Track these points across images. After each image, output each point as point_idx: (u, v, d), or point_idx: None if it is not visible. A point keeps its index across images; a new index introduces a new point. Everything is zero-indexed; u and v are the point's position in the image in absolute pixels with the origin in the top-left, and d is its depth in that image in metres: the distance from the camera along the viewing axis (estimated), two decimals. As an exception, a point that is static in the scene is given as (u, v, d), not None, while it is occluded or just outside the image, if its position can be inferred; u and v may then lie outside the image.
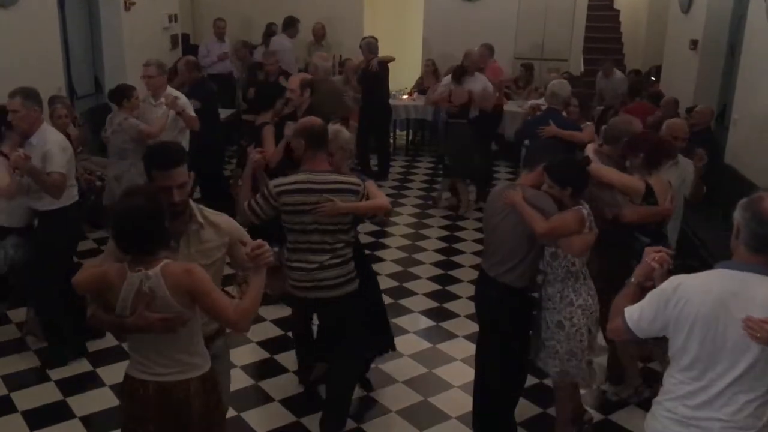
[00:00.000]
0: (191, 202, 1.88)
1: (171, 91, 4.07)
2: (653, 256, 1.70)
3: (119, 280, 1.67)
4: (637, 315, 1.65)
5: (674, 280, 1.61)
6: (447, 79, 5.20)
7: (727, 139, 4.77)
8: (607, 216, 2.62)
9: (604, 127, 3.24)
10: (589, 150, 3.08)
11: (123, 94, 3.89)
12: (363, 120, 5.38)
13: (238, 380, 2.87)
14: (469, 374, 3.10)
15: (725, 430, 1.56)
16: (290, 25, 6.43)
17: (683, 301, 1.56)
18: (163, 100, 3.99)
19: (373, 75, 5.70)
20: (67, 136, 4.48)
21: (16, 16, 4.34)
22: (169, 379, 1.73)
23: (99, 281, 1.71)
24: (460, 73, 5.03)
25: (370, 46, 5.93)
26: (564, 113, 3.94)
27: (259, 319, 3.47)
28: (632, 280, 1.73)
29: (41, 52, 4.60)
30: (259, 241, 1.70)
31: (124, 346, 3.25)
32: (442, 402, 2.90)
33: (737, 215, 1.57)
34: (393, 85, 6.75)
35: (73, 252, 3.21)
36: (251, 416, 2.76)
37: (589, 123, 4.15)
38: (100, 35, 5.65)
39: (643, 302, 1.65)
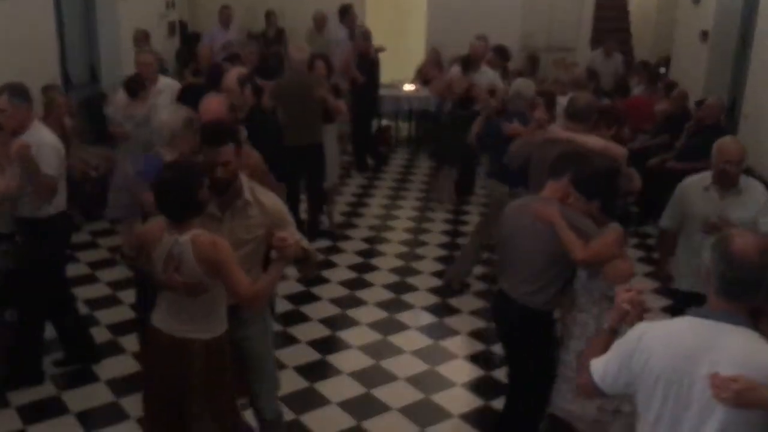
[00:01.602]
0: (243, 179, 2.01)
1: (163, 79, 3.94)
2: (624, 296, 1.52)
3: (157, 237, 1.86)
4: (602, 369, 1.48)
5: (639, 328, 1.44)
6: (455, 70, 5.08)
7: (737, 133, 4.68)
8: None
9: (567, 103, 2.98)
10: (556, 129, 2.87)
11: (141, 84, 3.74)
12: (358, 110, 5.27)
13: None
14: (471, 372, 3.08)
15: None
16: (347, 13, 6.13)
17: (647, 354, 1.39)
18: (160, 88, 3.85)
19: (371, 64, 5.57)
20: (63, 126, 4.41)
21: (10, 4, 4.25)
22: (179, 336, 1.90)
23: (142, 237, 1.93)
24: (466, 64, 4.91)
25: (365, 34, 5.81)
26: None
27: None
28: (605, 326, 1.57)
29: (36, 41, 4.52)
30: (285, 234, 1.86)
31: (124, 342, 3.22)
32: (444, 400, 2.86)
33: (707, 257, 1.41)
34: (394, 74, 6.66)
35: (59, 266, 2.90)
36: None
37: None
38: (96, 23, 5.56)
39: (608, 354, 1.48)
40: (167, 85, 3.90)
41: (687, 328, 1.40)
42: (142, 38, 5.10)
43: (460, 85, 4.85)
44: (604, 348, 1.51)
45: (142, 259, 1.94)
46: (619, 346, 1.47)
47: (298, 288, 3.78)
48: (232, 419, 2.02)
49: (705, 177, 2.59)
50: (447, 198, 5.17)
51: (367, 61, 5.63)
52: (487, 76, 5.00)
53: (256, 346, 2.11)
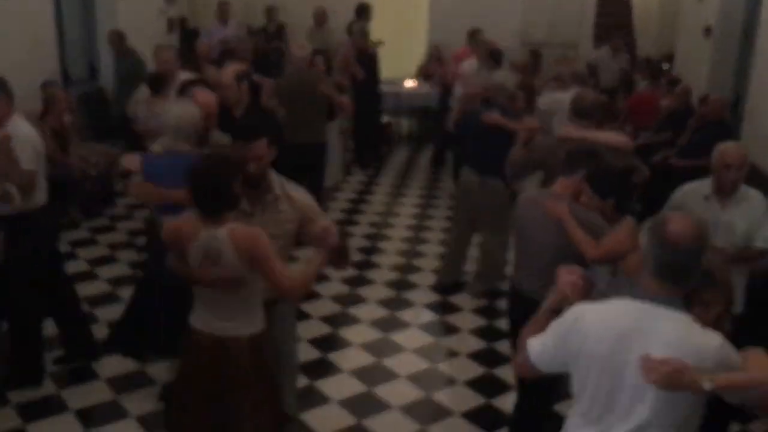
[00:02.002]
0: (273, 174, 2.03)
1: (181, 75, 3.90)
2: (564, 279, 1.52)
3: (193, 233, 1.83)
4: (539, 348, 1.48)
5: (577, 310, 1.44)
6: (469, 64, 4.97)
7: (740, 130, 4.64)
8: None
9: (571, 102, 2.93)
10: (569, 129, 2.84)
11: (164, 80, 3.68)
12: (359, 107, 5.25)
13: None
14: (472, 369, 3.07)
15: None
16: (363, 11, 6.14)
17: (582, 334, 1.39)
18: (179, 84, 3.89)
19: (370, 60, 5.56)
20: (62, 122, 4.39)
21: (10, 0, 4.22)
22: (223, 334, 1.88)
23: (176, 233, 1.88)
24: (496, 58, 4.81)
25: (361, 30, 5.79)
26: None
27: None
28: (544, 307, 1.55)
29: (35, 36, 4.51)
30: (327, 223, 1.89)
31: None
32: (444, 398, 2.85)
33: (643, 240, 1.42)
34: (397, 71, 6.62)
35: (44, 263, 2.78)
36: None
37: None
38: (95, 19, 5.53)
39: (545, 334, 1.47)
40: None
41: (622, 310, 1.40)
42: (116, 39, 5.01)
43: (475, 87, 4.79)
44: (543, 328, 1.50)
45: (173, 256, 1.92)
46: (556, 326, 1.46)
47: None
48: (274, 411, 2.01)
49: (705, 184, 2.44)
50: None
51: (366, 57, 5.60)
52: (499, 74, 5.01)
53: (284, 341, 2.13)
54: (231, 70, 3.41)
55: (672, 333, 1.33)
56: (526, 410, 2.37)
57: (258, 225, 1.92)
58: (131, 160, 2.60)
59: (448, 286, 3.81)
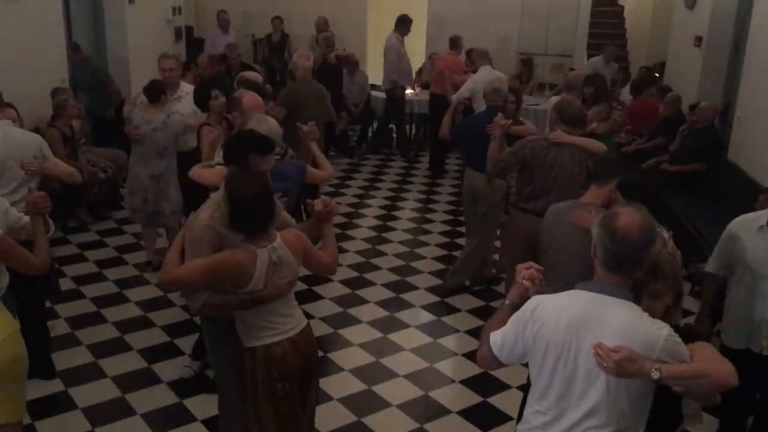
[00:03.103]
0: None
1: (184, 85, 3.94)
2: (523, 273, 1.58)
3: (251, 262, 1.83)
4: (500, 340, 1.53)
5: (534, 300, 1.51)
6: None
7: (730, 136, 4.75)
8: None
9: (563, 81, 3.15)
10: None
11: (162, 89, 3.71)
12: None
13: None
14: (469, 369, 3.12)
15: None
16: (402, 23, 6.26)
17: (539, 324, 1.45)
18: (181, 94, 3.85)
19: (331, 69, 5.67)
20: (72, 128, 4.50)
21: (21, 8, 4.34)
22: (294, 332, 1.97)
23: (230, 270, 1.82)
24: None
25: (327, 40, 5.92)
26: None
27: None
28: (506, 302, 1.61)
29: (45, 44, 4.59)
30: (324, 199, 2.06)
31: (127, 339, 3.28)
32: (442, 396, 2.91)
33: (593, 232, 1.47)
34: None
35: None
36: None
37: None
38: (104, 27, 5.64)
39: (506, 326, 1.53)
40: (187, 93, 3.84)
41: (575, 300, 1.47)
42: (71, 52, 4.98)
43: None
44: (504, 322, 1.56)
45: (212, 295, 1.87)
46: (515, 318, 1.53)
47: (301, 287, 3.84)
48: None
49: (762, 215, 2.26)
50: None
51: (328, 67, 5.67)
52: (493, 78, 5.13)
53: None
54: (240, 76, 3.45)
55: (621, 322, 1.39)
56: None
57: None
58: (215, 173, 2.48)
59: (449, 292, 3.85)
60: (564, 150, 2.86)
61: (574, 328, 1.43)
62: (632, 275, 1.46)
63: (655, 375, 1.34)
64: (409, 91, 6.75)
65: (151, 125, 3.66)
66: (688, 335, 1.49)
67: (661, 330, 1.40)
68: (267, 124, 2.44)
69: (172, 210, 3.78)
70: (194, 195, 3.78)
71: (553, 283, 2.17)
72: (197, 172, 2.64)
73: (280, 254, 1.88)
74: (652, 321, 1.43)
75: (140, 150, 3.72)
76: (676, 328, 1.47)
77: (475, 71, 5.29)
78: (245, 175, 1.89)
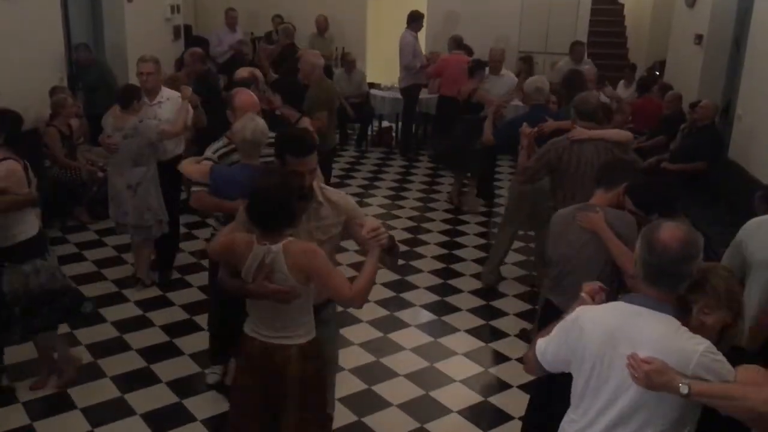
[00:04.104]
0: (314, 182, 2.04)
1: (165, 90, 3.69)
2: (587, 288, 1.63)
3: (246, 250, 1.83)
4: (544, 346, 1.57)
5: (578, 311, 1.54)
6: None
7: (731, 134, 4.74)
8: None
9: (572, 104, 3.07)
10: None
11: (134, 94, 3.48)
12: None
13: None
14: (470, 368, 3.13)
15: None
16: (415, 19, 6.20)
17: (579, 333, 1.49)
18: (161, 100, 3.63)
19: (290, 63, 5.51)
20: (70, 127, 4.48)
21: (19, 6, 4.32)
22: (272, 342, 1.90)
23: (228, 248, 1.89)
24: (474, 67, 5.01)
25: (286, 31, 5.87)
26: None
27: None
28: (568, 314, 1.61)
29: (43, 43, 4.58)
30: (375, 222, 1.85)
31: (127, 338, 3.28)
32: (443, 396, 2.91)
33: (636, 245, 1.47)
34: (394, 77, 6.74)
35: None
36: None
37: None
38: (102, 26, 5.63)
39: (551, 333, 1.57)
40: (168, 98, 3.63)
41: (614, 310, 1.48)
42: (82, 50, 4.92)
43: (465, 92, 4.93)
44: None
45: (226, 273, 1.91)
46: (560, 326, 1.56)
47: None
48: (321, 423, 2.02)
49: None
50: (473, 205, 5.19)
51: (285, 60, 5.52)
52: (504, 83, 5.10)
53: (327, 348, 2.12)
54: (246, 72, 3.43)
55: (656, 334, 1.39)
56: None
57: (304, 232, 1.96)
58: (197, 169, 2.55)
59: (493, 284, 3.90)
60: (586, 146, 2.86)
61: (610, 338, 1.44)
62: (673, 289, 1.45)
63: (684, 390, 1.33)
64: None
65: (122, 132, 3.45)
66: (742, 356, 1.47)
67: (698, 346, 1.38)
68: (253, 124, 2.42)
69: (156, 219, 3.57)
70: (173, 203, 3.75)
71: (566, 291, 2.14)
72: (184, 166, 2.67)
73: (273, 260, 1.81)
74: (690, 336, 1.41)
75: (115, 159, 3.54)
76: (734, 349, 1.46)
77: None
78: (279, 171, 1.92)
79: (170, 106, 3.59)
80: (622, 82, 6.44)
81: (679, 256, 1.39)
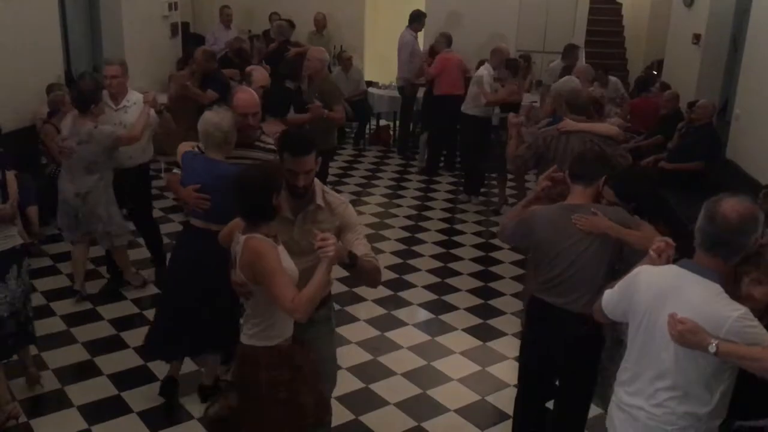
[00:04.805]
0: (317, 183, 2.02)
1: (132, 94, 3.52)
2: (655, 246, 1.73)
3: (232, 237, 1.90)
4: (608, 296, 1.74)
5: (640, 269, 1.68)
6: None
7: (728, 134, 4.75)
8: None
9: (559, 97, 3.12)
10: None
11: (92, 98, 3.26)
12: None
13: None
14: (467, 367, 3.13)
15: (649, 421, 1.60)
16: (416, 19, 6.18)
17: (636, 289, 1.63)
18: (126, 104, 3.46)
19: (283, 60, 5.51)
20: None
21: (16, 4, 4.30)
22: (245, 342, 1.90)
23: (230, 233, 1.96)
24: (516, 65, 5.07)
25: (280, 29, 5.84)
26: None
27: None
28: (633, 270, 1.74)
29: (40, 40, 4.57)
30: (326, 234, 1.77)
31: (125, 334, 3.26)
32: (440, 395, 2.91)
33: (699, 216, 1.58)
34: (393, 76, 6.73)
35: None
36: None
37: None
38: (100, 23, 5.61)
39: (616, 287, 1.73)
40: (135, 102, 3.46)
41: (666, 272, 1.62)
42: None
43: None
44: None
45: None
46: (624, 280, 1.71)
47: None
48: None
49: None
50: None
51: (279, 57, 5.50)
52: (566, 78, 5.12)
53: (323, 347, 2.10)
54: (260, 77, 3.32)
55: (696, 298, 1.51)
56: (569, 413, 2.30)
57: (299, 233, 1.96)
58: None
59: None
60: (574, 138, 2.93)
61: (659, 298, 1.58)
62: (726, 258, 1.54)
63: (712, 348, 1.45)
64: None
65: (78, 137, 3.24)
66: None
67: (733, 312, 1.48)
68: (217, 118, 2.45)
69: (105, 230, 3.39)
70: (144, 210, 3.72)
71: (566, 293, 2.13)
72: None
73: (236, 251, 1.84)
74: (728, 302, 1.51)
75: (67, 164, 3.31)
76: None
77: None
78: (271, 167, 1.95)
79: (136, 111, 3.44)
80: (596, 83, 6.41)
81: (736, 228, 1.49)
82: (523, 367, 2.41)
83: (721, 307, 1.50)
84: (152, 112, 3.45)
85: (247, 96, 2.62)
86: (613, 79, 5.82)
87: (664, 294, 1.57)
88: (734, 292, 1.56)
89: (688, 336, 1.47)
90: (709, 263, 1.53)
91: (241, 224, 1.88)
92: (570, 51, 5.84)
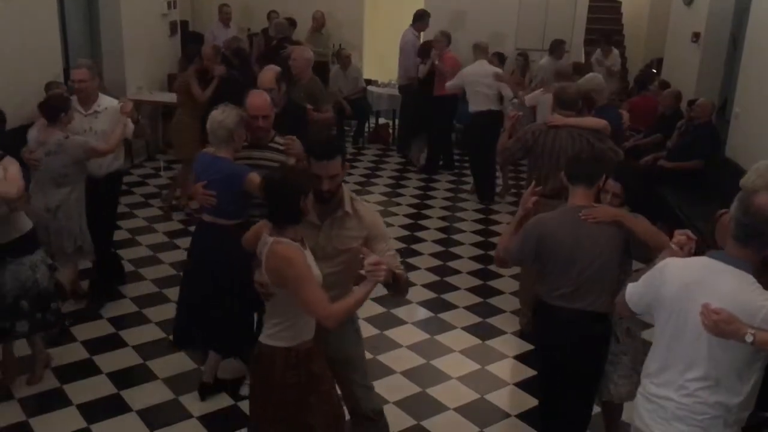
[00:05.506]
0: (345, 190, 2.02)
1: (103, 98, 3.29)
2: (677, 239, 1.76)
3: (258, 238, 1.90)
4: (632, 289, 1.74)
5: (667, 261, 1.69)
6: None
7: (728, 132, 4.76)
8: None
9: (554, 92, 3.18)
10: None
11: (60, 107, 3.01)
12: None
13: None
14: (467, 365, 3.13)
15: (679, 411, 1.61)
16: (420, 18, 6.14)
17: (663, 281, 1.64)
18: (97, 109, 3.22)
19: (283, 60, 5.59)
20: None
21: (16, 3, 4.29)
22: (263, 341, 1.91)
23: (255, 235, 1.96)
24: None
25: (278, 26, 5.83)
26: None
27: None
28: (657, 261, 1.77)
29: (39, 39, 4.55)
30: (377, 258, 1.79)
31: (125, 335, 3.26)
32: (439, 393, 2.91)
33: (732, 208, 1.60)
34: (392, 75, 6.73)
35: None
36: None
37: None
38: (98, 22, 5.60)
39: (640, 280, 1.73)
40: (106, 108, 3.24)
41: (695, 264, 1.63)
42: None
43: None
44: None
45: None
46: (648, 273, 1.72)
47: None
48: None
49: None
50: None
51: (276, 56, 5.39)
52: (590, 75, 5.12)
53: (349, 348, 2.10)
54: (272, 72, 3.22)
55: (729, 288, 1.52)
56: (570, 410, 2.27)
57: (324, 238, 1.96)
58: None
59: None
60: (562, 132, 3.02)
61: (688, 290, 1.58)
62: (757, 250, 1.56)
63: (749, 338, 1.46)
64: None
65: (45, 148, 2.98)
66: None
67: (767, 301, 1.50)
68: (222, 115, 2.50)
69: (76, 247, 3.14)
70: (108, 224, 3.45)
71: (585, 296, 2.11)
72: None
73: (262, 252, 1.85)
74: (761, 292, 1.53)
75: (36, 177, 3.02)
76: None
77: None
78: (298, 170, 2.01)
79: (108, 117, 3.21)
80: (598, 51, 6.54)
81: None
82: (544, 376, 2.31)
83: (755, 296, 1.51)
84: (129, 122, 3.24)
85: (256, 99, 2.64)
86: (615, 51, 6.30)
87: (692, 285, 1.57)
88: (764, 284, 1.56)
89: (723, 326, 1.47)
90: (740, 254, 1.54)
91: (268, 226, 1.87)
92: (557, 46, 5.94)
